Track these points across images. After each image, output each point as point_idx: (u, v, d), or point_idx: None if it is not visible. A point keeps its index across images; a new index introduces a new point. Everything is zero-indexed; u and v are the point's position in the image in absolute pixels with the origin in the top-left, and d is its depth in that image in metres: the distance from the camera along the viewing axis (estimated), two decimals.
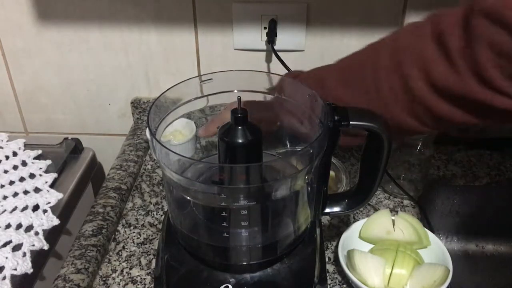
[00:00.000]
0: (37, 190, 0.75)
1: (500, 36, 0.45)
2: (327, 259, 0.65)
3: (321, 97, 0.53)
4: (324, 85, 0.60)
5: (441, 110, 0.51)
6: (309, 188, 0.54)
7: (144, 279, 0.63)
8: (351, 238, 0.66)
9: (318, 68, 0.65)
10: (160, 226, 0.72)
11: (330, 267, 0.65)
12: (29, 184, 0.76)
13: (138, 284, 0.63)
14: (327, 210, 0.58)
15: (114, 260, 0.66)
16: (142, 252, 0.68)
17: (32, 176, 0.78)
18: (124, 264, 0.66)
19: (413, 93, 0.52)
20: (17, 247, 0.64)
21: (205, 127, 0.68)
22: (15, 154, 0.83)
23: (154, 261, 0.66)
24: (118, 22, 0.85)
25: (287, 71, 0.78)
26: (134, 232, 0.71)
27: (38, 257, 0.66)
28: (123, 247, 0.69)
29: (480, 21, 0.46)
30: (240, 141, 0.48)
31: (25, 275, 0.62)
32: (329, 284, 0.62)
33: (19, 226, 0.68)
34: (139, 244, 0.69)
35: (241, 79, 0.59)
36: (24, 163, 0.81)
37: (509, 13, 0.44)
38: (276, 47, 0.81)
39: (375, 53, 0.56)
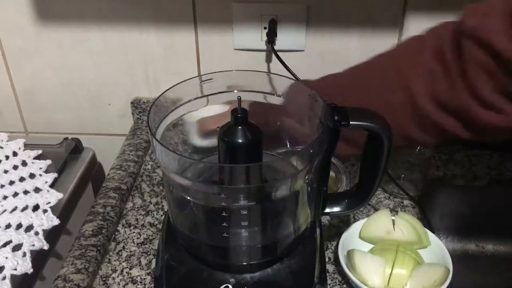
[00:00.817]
0: (37, 190, 0.75)
1: (483, 56, 0.48)
2: (327, 259, 0.65)
3: None
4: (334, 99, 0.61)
5: (446, 125, 0.53)
6: (309, 188, 0.54)
7: (144, 279, 0.63)
8: (351, 238, 0.66)
9: (324, 78, 0.66)
10: (160, 226, 0.72)
11: (330, 267, 0.65)
12: (29, 184, 0.76)
13: (138, 284, 0.63)
14: (327, 210, 0.58)
15: (114, 260, 0.67)
16: (142, 252, 0.68)
17: (32, 176, 0.78)
18: (124, 264, 0.66)
19: (419, 108, 0.54)
20: (17, 247, 0.64)
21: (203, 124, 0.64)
22: (15, 154, 0.83)
23: (154, 261, 0.66)
24: (118, 22, 0.85)
25: (287, 71, 0.78)
26: (134, 232, 0.71)
27: (38, 257, 0.66)
28: (123, 247, 0.69)
29: (466, 41, 0.50)
30: (240, 141, 0.48)
31: (25, 275, 0.62)
32: (329, 284, 0.62)
33: (19, 226, 0.68)
34: (139, 244, 0.69)
35: (241, 79, 0.59)
36: (24, 163, 0.81)
37: (485, 35, 0.48)
38: (276, 47, 0.81)
39: (380, 71, 0.58)
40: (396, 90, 0.56)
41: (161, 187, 0.80)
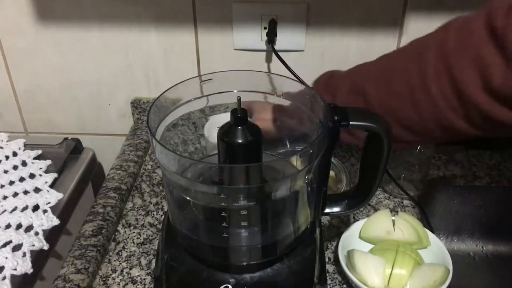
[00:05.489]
0: (37, 190, 0.75)
1: None
2: (327, 259, 0.65)
3: (361, 104, 0.52)
4: (364, 91, 0.57)
5: (501, 117, 0.47)
6: (309, 188, 0.53)
7: (144, 279, 0.63)
8: (351, 238, 0.66)
9: (355, 68, 0.61)
10: (160, 226, 0.72)
11: (330, 267, 0.65)
12: (29, 184, 0.76)
13: (138, 284, 0.63)
14: (327, 210, 0.58)
15: (114, 260, 0.67)
16: (142, 252, 0.68)
17: (32, 176, 0.78)
18: (124, 264, 0.66)
19: (468, 98, 0.48)
20: (17, 247, 0.64)
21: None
22: (15, 154, 0.83)
23: (154, 261, 0.66)
24: (118, 22, 0.85)
25: (287, 71, 0.78)
26: (134, 232, 0.71)
27: (38, 257, 0.66)
28: (123, 247, 0.69)
29: None
30: (240, 141, 0.48)
31: (25, 275, 0.62)
32: (329, 284, 0.62)
33: (19, 226, 0.68)
34: (139, 244, 0.69)
35: (241, 79, 0.59)
36: (24, 163, 0.81)
37: None
38: (276, 47, 0.81)
39: (420, 55, 0.51)
40: (439, 80, 0.49)
41: (161, 187, 0.80)
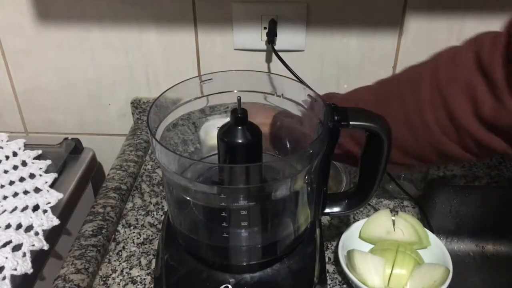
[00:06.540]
0: (37, 190, 0.75)
1: None
2: (327, 259, 0.65)
3: None
4: None
5: (490, 142, 0.50)
6: (309, 188, 0.54)
7: (144, 279, 0.63)
8: (351, 238, 0.66)
9: (351, 92, 0.62)
10: (160, 226, 0.72)
11: (330, 267, 0.65)
12: (29, 184, 0.76)
13: (138, 284, 0.63)
14: (327, 210, 0.58)
15: (114, 260, 0.67)
16: (142, 252, 0.68)
17: (32, 176, 0.78)
18: (124, 264, 0.66)
19: (461, 126, 0.50)
20: (17, 247, 0.64)
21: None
22: (15, 154, 0.83)
23: (154, 261, 0.66)
24: (118, 22, 0.85)
25: (287, 71, 0.78)
26: (134, 232, 0.71)
27: (38, 257, 0.66)
28: (123, 247, 0.69)
29: None
30: (240, 141, 0.48)
31: (25, 275, 0.62)
32: (329, 284, 0.62)
33: (19, 226, 0.68)
34: (139, 244, 0.69)
35: (241, 79, 0.59)
36: (24, 163, 0.81)
37: None
38: (276, 47, 0.81)
39: (415, 85, 0.54)
40: (434, 108, 0.51)
41: (161, 187, 0.80)
